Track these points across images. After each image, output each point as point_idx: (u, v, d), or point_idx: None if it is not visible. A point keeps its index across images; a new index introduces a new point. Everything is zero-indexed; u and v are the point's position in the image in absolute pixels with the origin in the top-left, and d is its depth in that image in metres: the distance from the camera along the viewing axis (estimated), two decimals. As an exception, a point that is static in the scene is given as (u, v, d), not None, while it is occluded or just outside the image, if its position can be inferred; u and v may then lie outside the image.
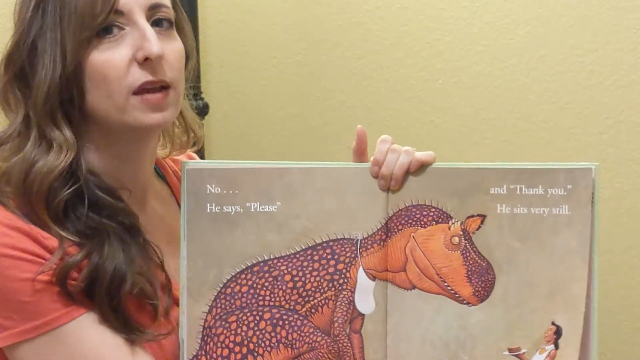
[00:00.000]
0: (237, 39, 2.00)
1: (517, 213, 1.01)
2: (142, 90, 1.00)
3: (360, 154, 1.06)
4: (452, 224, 1.02)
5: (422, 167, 1.02)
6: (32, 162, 0.99)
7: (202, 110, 1.98)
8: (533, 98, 1.80)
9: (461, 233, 1.01)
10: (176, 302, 1.04)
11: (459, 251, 1.01)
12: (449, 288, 1.01)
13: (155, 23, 1.01)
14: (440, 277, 1.02)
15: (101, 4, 0.97)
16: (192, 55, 1.10)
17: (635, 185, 1.77)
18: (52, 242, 0.98)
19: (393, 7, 1.88)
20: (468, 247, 1.01)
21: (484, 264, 1.01)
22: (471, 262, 1.01)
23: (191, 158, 1.21)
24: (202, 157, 1.97)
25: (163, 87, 1.01)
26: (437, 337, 1.02)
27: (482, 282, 1.01)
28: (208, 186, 0.99)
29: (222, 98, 2.03)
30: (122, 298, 0.98)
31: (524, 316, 1.01)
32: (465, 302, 1.01)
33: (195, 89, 1.97)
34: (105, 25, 0.99)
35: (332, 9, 1.92)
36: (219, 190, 1.00)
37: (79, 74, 0.99)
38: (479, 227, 1.01)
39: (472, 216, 1.01)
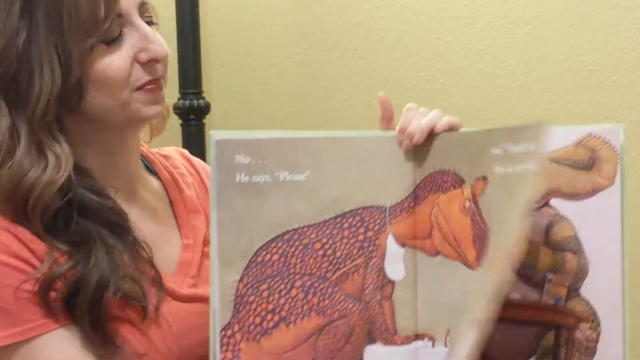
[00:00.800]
0: (238, 38, 2.00)
1: (509, 173, 0.99)
2: (141, 85, 1.01)
3: (387, 121, 1.05)
4: (465, 188, 1.01)
5: (446, 133, 1.01)
6: (24, 173, 0.97)
7: (203, 110, 1.99)
8: (533, 98, 1.81)
9: (471, 197, 1.01)
10: (172, 296, 1.04)
11: (469, 216, 1.01)
12: (462, 253, 1.01)
13: (146, 21, 1.02)
14: (457, 243, 1.02)
15: (105, 9, 0.96)
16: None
17: (636, 185, 1.77)
18: (38, 245, 0.97)
19: (393, 7, 1.88)
20: (475, 210, 1.01)
21: (484, 228, 1.00)
22: (476, 226, 1.00)
23: (184, 156, 1.22)
24: (202, 157, 1.97)
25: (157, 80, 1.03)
26: (459, 302, 1.01)
27: (482, 246, 1.00)
28: (237, 156, 0.98)
29: (223, 97, 2.03)
30: (104, 307, 0.97)
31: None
32: (470, 267, 1.01)
33: (196, 88, 1.97)
34: (109, 31, 0.98)
35: (332, 9, 1.93)
36: (248, 160, 0.98)
37: (83, 82, 0.98)
38: (483, 190, 1.01)
39: (478, 179, 1.01)
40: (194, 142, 1.97)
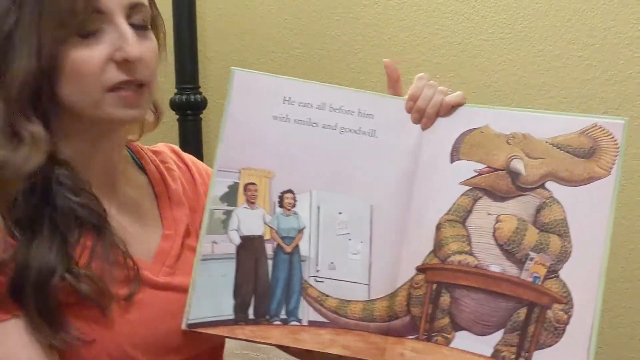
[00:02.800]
0: (235, 33, 2.01)
1: None
2: (117, 87, 1.01)
3: (393, 84, 1.09)
4: None
5: (453, 108, 1.06)
6: (2, 150, 0.98)
7: (200, 105, 1.99)
8: (531, 92, 1.81)
9: None
10: (149, 284, 1.05)
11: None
12: None
13: (135, 24, 1.02)
14: None
15: (82, 3, 0.97)
16: (163, 46, 1.11)
17: (632, 180, 1.78)
18: None
19: (391, 2, 1.89)
20: None
21: None
22: None
23: (174, 151, 1.23)
24: (199, 152, 1.98)
25: (138, 85, 1.02)
26: None
27: None
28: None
29: (220, 92, 2.03)
30: (51, 293, 0.97)
31: None
32: None
33: (193, 84, 1.98)
34: (84, 24, 0.99)
35: (330, 4, 1.93)
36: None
37: (55, 69, 0.99)
38: None
39: None
40: (191, 136, 1.98)
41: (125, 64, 1.00)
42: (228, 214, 1.07)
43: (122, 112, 1.02)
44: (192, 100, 1.96)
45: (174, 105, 1.95)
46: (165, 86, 1.91)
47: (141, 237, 1.09)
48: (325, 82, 1.86)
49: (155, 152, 1.19)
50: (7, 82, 0.99)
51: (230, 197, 1.07)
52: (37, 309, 0.97)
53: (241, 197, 1.07)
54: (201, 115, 1.99)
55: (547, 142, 1.04)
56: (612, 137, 1.02)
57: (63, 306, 0.99)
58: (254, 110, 1.07)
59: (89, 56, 0.99)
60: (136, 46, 1.00)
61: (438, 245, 1.04)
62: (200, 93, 1.97)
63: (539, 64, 1.80)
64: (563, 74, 1.79)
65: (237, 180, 1.06)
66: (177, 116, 1.97)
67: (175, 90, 1.95)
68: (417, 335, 1.04)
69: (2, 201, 0.98)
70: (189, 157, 1.23)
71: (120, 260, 1.03)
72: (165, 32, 1.12)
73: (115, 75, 1.00)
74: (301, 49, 1.97)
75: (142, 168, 1.17)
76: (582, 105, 1.77)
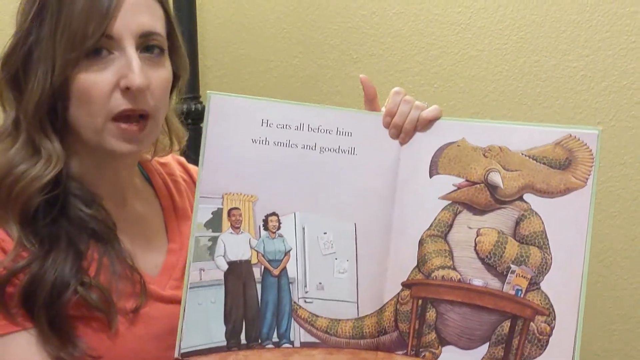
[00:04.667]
0: (235, 42, 2.02)
1: None
2: (120, 117, 1.02)
3: (370, 101, 1.10)
4: None
5: (430, 122, 1.07)
6: (15, 165, 1.00)
7: (200, 114, 2.00)
8: (527, 102, 1.82)
9: None
10: (155, 298, 1.06)
11: None
12: None
13: (146, 49, 1.03)
14: None
15: (94, 27, 0.99)
16: (184, 74, 1.12)
17: (627, 189, 1.79)
18: (8, 244, 0.99)
19: (389, 12, 1.90)
20: None
21: None
22: None
23: (180, 163, 1.24)
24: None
25: (142, 115, 1.03)
26: None
27: None
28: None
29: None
30: (63, 307, 0.98)
31: None
32: None
33: (193, 93, 1.99)
34: (94, 49, 1.00)
35: (329, 13, 1.94)
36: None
37: (65, 90, 1.01)
38: None
39: None
40: (191, 146, 1.98)
41: (129, 92, 1.01)
42: (214, 240, 1.06)
43: (120, 145, 1.03)
44: (192, 109, 1.97)
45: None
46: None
47: (148, 251, 1.10)
48: (324, 91, 1.88)
49: (162, 165, 1.21)
50: (26, 99, 1.01)
51: (214, 223, 1.07)
52: (48, 322, 0.98)
53: (225, 223, 1.07)
54: (201, 125, 2.00)
55: (523, 154, 1.04)
56: (587, 148, 1.03)
57: (72, 319, 1.00)
58: (233, 135, 1.06)
59: (96, 80, 1.00)
60: (141, 75, 1.00)
61: (421, 260, 1.05)
62: (200, 102, 1.98)
63: (534, 75, 1.81)
64: (558, 85, 1.80)
65: (220, 206, 1.06)
66: (177, 124, 1.97)
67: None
68: (405, 351, 1.05)
69: (18, 212, 0.99)
70: (194, 169, 1.23)
71: (126, 273, 1.05)
72: (187, 61, 1.13)
73: (120, 102, 1.01)
74: (300, 58, 1.98)
75: (149, 180, 1.18)
76: (578, 115, 1.78)
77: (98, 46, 1.00)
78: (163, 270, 1.11)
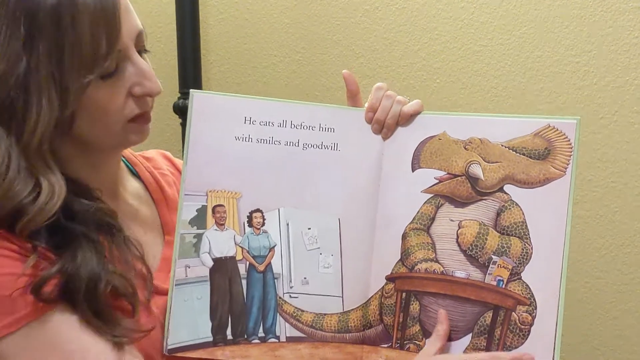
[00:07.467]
0: (238, 37, 2.02)
1: None
2: (135, 117, 1.03)
3: (353, 97, 1.11)
4: None
5: (411, 117, 1.08)
6: (16, 195, 0.96)
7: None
8: (529, 98, 1.82)
9: None
10: (156, 291, 1.06)
11: None
12: None
13: (141, 51, 1.02)
14: None
15: (106, 46, 0.96)
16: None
17: (629, 184, 1.79)
18: (25, 244, 0.98)
19: (392, 7, 1.90)
20: None
21: None
22: None
23: (165, 157, 1.24)
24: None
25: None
26: None
27: None
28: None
29: (223, 96, 2.04)
30: (101, 298, 0.98)
31: None
32: None
33: (196, 88, 1.99)
34: (108, 67, 0.97)
35: (331, 8, 1.94)
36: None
37: (76, 112, 0.98)
38: None
39: None
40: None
41: (143, 98, 1.02)
42: (198, 237, 1.08)
43: (137, 137, 1.05)
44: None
45: (177, 109, 1.96)
46: (169, 90, 1.93)
47: (145, 245, 1.10)
48: (327, 86, 1.88)
49: (147, 159, 1.21)
50: (25, 131, 0.96)
51: (199, 220, 1.08)
52: (92, 312, 0.97)
53: (210, 220, 1.08)
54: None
55: (503, 145, 1.05)
56: (566, 137, 1.03)
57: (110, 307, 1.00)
58: (216, 132, 1.07)
59: (111, 95, 0.99)
60: (157, 81, 1.02)
61: (405, 254, 1.06)
62: (203, 97, 1.98)
63: (537, 70, 1.81)
64: (561, 80, 1.80)
65: (204, 203, 1.08)
66: (180, 120, 1.98)
67: (179, 95, 1.96)
68: (390, 344, 1.06)
69: (30, 237, 0.97)
70: (180, 162, 1.23)
71: (137, 265, 1.05)
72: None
73: (133, 107, 1.02)
74: (303, 53, 1.98)
75: (136, 175, 1.18)
76: (580, 111, 1.79)
77: (112, 63, 0.98)
78: (162, 263, 1.11)
